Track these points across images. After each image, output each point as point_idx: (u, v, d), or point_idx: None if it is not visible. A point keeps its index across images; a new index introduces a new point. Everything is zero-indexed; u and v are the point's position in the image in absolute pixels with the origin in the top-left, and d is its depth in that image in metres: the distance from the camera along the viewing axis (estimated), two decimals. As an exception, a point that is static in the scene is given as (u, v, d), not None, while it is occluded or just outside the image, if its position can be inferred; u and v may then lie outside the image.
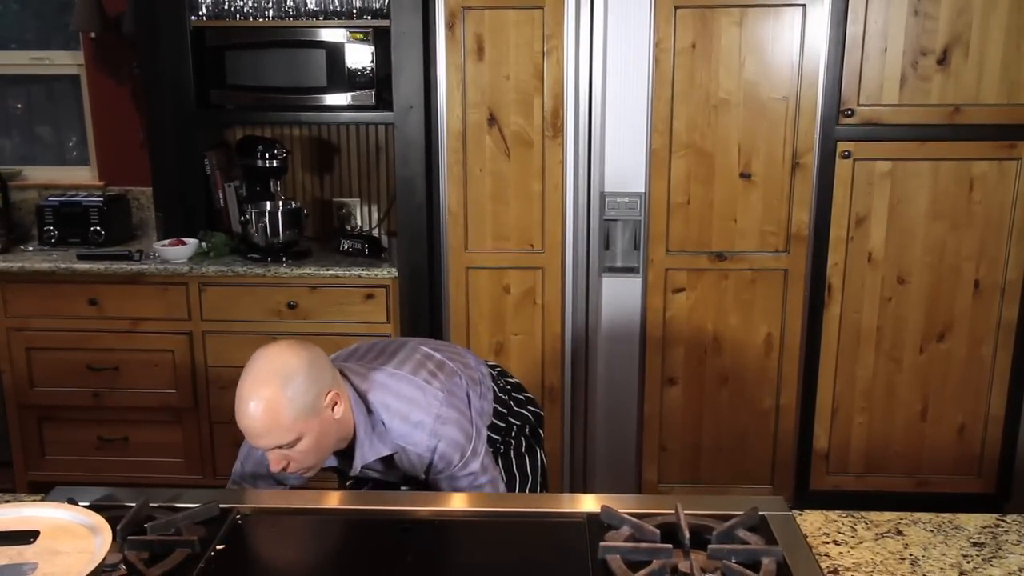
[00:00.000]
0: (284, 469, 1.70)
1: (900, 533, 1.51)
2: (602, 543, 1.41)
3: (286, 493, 1.76)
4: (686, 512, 1.46)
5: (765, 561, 1.36)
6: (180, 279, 3.28)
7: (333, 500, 1.70)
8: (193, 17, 3.37)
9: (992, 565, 1.41)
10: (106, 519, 1.34)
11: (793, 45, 2.93)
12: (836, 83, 2.96)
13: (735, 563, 1.35)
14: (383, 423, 1.78)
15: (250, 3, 3.37)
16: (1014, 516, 1.57)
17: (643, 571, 1.33)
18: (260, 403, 1.61)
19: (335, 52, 3.28)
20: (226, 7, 3.38)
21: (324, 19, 3.35)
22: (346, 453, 1.81)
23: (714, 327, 3.15)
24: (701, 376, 3.19)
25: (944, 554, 1.44)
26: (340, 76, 3.30)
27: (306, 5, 3.37)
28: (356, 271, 3.23)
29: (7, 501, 1.63)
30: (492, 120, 3.04)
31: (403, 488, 1.97)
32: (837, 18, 2.91)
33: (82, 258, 3.33)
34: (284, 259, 3.32)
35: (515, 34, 2.97)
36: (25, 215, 3.77)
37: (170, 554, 1.40)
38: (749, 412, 3.21)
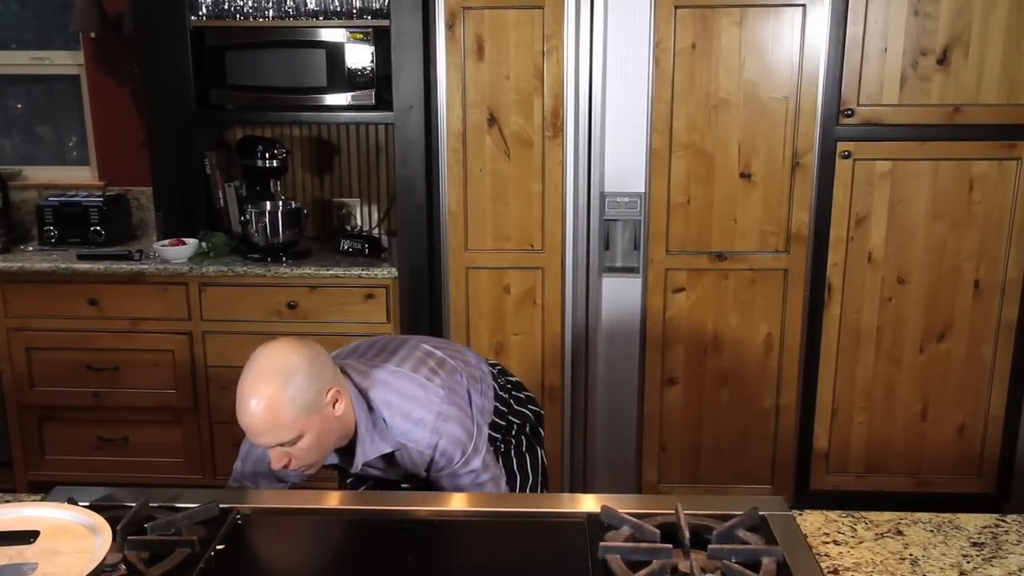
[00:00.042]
0: (286, 467, 1.70)
1: (900, 533, 1.51)
2: (602, 543, 1.41)
3: (286, 493, 1.76)
4: (686, 512, 1.46)
5: (765, 561, 1.36)
6: (180, 279, 3.28)
7: (333, 500, 1.70)
8: (193, 17, 3.37)
9: (992, 565, 1.41)
10: (106, 519, 1.34)
11: (793, 45, 2.93)
12: (836, 83, 2.96)
13: (735, 563, 1.35)
14: (384, 420, 1.78)
15: (250, 3, 3.37)
16: (1014, 516, 1.57)
17: (643, 571, 1.33)
18: (261, 401, 1.61)
19: (335, 52, 3.28)
20: (226, 7, 3.38)
21: (324, 19, 3.36)
22: (347, 450, 1.81)
23: (714, 327, 3.15)
24: (701, 376, 3.19)
25: (944, 554, 1.44)
26: (340, 76, 3.30)
27: (306, 5, 3.37)
28: (356, 271, 3.23)
29: (7, 501, 1.63)
30: (492, 120, 3.04)
31: (404, 486, 1.97)
32: (837, 18, 2.91)
33: (82, 258, 3.33)
34: (284, 259, 3.32)
35: (515, 34, 2.97)
36: (25, 215, 3.77)
37: (170, 554, 1.40)
38: (749, 412, 3.21)
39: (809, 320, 3.14)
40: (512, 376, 2.17)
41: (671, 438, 3.24)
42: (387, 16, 3.17)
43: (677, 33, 2.93)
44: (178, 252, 3.32)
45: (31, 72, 3.90)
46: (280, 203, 3.43)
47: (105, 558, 1.25)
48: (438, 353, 1.94)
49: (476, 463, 1.84)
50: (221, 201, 3.64)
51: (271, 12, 3.38)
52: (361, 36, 3.28)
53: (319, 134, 3.75)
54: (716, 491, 3.24)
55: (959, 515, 1.56)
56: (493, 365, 2.13)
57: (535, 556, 1.46)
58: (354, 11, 3.35)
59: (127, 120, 3.79)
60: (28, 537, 1.31)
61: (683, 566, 1.36)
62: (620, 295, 3.14)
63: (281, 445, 1.66)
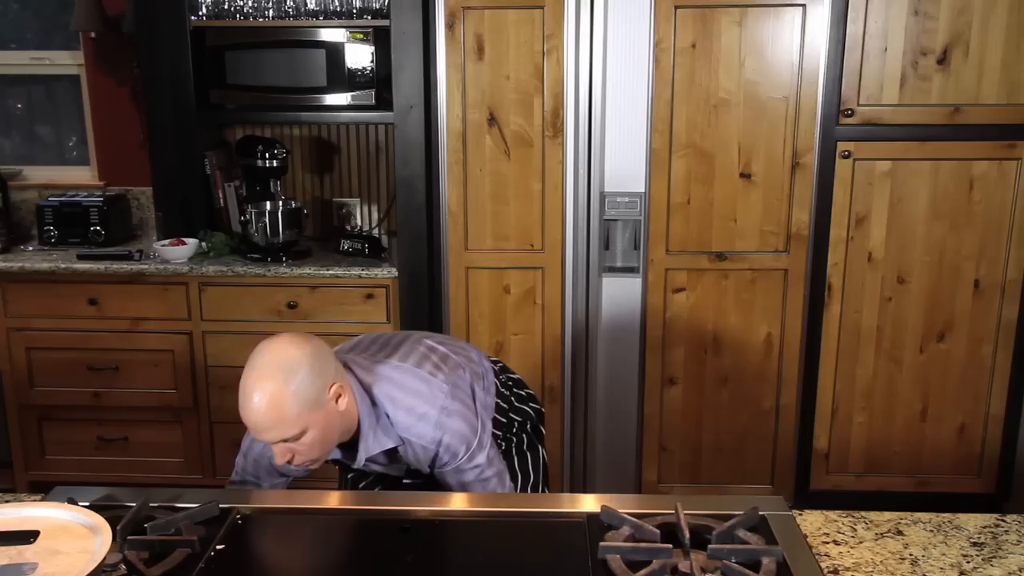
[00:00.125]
0: (289, 462, 1.69)
1: (900, 533, 1.51)
2: (602, 543, 1.41)
3: (286, 493, 1.76)
4: (686, 512, 1.46)
5: (765, 561, 1.36)
6: (180, 279, 3.28)
7: (333, 500, 1.70)
8: (193, 17, 3.37)
9: (992, 565, 1.41)
10: (106, 519, 1.34)
11: (793, 45, 2.93)
12: (836, 83, 2.96)
13: (735, 563, 1.35)
14: (387, 416, 1.78)
15: (250, 3, 3.37)
16: (1014, 516, 1.57)
17: (643, 571, 1.33)
18: (264, 397, 1.61)
19: (335, 52, 3.28)
20: (226, 7, 3.38)
21: (324, 19, 3.36)
22: (350, 446, 1.81)
23: (714, 327, 3.15)
24: (701, 376, 3.19)
25: (944, 554, 1.44)
26: (340, 76, 3.30)
27: (306, 5, 3.37)
28: (356, 271, 3.23)
29: (7, 501, 1.63)
30: (492, 120, 3.04)
31: (405, 481, 1.97)
32: (837, 18, 2.91)
33: (82, 258, 3.33)
34: (284, 259, 3.32)
35: (515, 34, 2.97)
36: (25, 215, 3.78)
37: (170, 554, 1.40)
38: (749, 412, 3.21)
39: (809, 320, 3.14)
40: (513, 373, 2.17)
41: (671, 438, 3.24)
42: (387, 16, 3.17)
43: (677, 33, 2.93)
44: (178, 252, 3.32)
45: (31, 72, 3.90)
46: (280, 203, 3.43)
47: (105, 558, 1.25)
48: (441, 349, 1.94)
49: (481, 459, 1.84)
50: (221, 201, 3.64)
51: (271, 12, 3.38)
52: (361, 36, 3.28)
53: (319, 134, 3.75)
54: (716, 491, 3.24)
55: (959, 515, 1.56)
56: (495, 362, 2.13)
57: (535, 556, 1.46)
58: (354, 11, 3.35)
59: (127, 120, 3.79)
60: (28, 537, 1.31)
61: (683, 566, 1.36)
62: (620, 295, 3.14)
63: (285, 441, 1.66)
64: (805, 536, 1.48)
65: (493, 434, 1.98)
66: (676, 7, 2.91)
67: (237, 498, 1.63)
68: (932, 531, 1.51)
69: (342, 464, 1.96)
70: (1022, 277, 3.08)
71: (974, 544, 1.47)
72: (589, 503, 1.59)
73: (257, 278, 3.26)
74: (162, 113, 3.42)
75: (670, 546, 1.39)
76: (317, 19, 3.36)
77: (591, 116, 3.00)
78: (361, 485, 2.05)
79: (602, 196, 3.06)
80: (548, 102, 3.01)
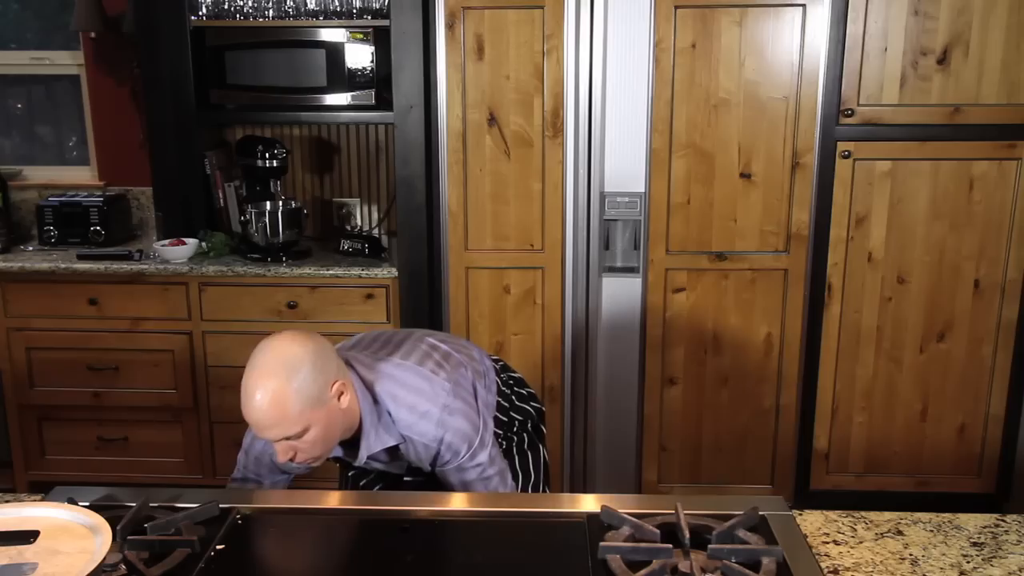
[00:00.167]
0: (291, 460, 1.69)
1: (900, 533, 1.51)
2: (602, 543, 1.41)
3: (286, 493, 1.76)
4: (686, 512, 1.46)
5: (765, 561, 1.36)
6: (180, 279, 3.28)
7: (333, 500, 1.70)
8: (193, 17, 3.37)
9: (992, 565, 1.41)
10: (106, 519, 1.34)
11: (793, 45, 2.93)
12: (836, 83, 2.96)
13: (735, 563, 1.35)
14: (389, 413, 1.78)
15: (250, 3, 3.37)
16: (1014, 516, 1.57)
17: (643, 571, 1.33)
18: (267, 395, 1.60)
19: (335, 52, 3.28)
20: (226, 7, 3.39)
21: (324, 19, 3.36)
22: (351, 443, 1.81)
23: (714, 327, 3.15)
24: (701, 376, 3.19)
25: (944, 554, 1.44)
26: (340, 76, 3.30)
27: (306, 5, 3.37)
28: (356, 271, 3.23)
29: (7, 501, 1.63)
30: (492, 120, 3.04)
31: (406, 479, 1.96)
32: (837, 18, 2.91)
33: (82, 258, 3.33)
34: (284, 259, 3.32)
35: (515, 34, 2.97)
36: (25, 215, 3.78)
37: (170, 554, 1.40)
38: (749, 412, 3.21)
39: (809, 320, 3.14)
40: (514, 372, 2.17)
41: (671, 438, 3.24)
42: (387, 16, 3.17)
43: (677, 33, 2.93)
44: (178, 252, 3.32)
45: (31, 72, 3.90)
46: (280, 203, 3.43)
47: (105, 558, 1.25)
48: (443, 347, 1.94)
49: (483, 457, 1.84)
50: (221, 201, 3.64)
51: (271, 12, 3.38)
52: (361, 36, 3.28)
53: (319, 134, 3.75)
54: (716, 491, 3.24)
55: (959, 515, 1.56)
56: (496, 360, 2.13)
57: (535, 556, 1.46)
58: (354, 11, 3.35)
59: (127, 120, 3.79)
60: (28, 537, 1.31)
61: (683, 566, 1.36)
62: (620, 295, 3.14)
63: (287, 439, 1.65)
64: (805, 536, 1.48)
65: (494, 433, 1.98)
66: (676, 7, 2.91)
67: (237, 498, 1.63)
68: (932, 531, 1.51)
69: (343, 462, 1.96)
70: (1022, 277, 3.08)
71: (974, 544, 1.47)
72: (589, 503, 1.59)
73: (257, 278, 3.26)
74: (162, 113, 3.42)
75: (670, 546, 1.39)
76: (317, 19, 3.36)
77: (591, 116, 3.00)
78: (362, 483, 2.05)
79: (602, 196, 3.06)
80: (548, 102, 3.01)
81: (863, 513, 1.57)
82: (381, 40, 3.26)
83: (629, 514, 1.48)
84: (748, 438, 3.23)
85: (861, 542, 1.48)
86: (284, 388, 1.60)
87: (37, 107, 4.01)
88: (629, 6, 2.92)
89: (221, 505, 1.55)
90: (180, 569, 1.38)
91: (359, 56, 3.29)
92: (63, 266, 3.29)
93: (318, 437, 1.67)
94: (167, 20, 3.34)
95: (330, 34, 3.29)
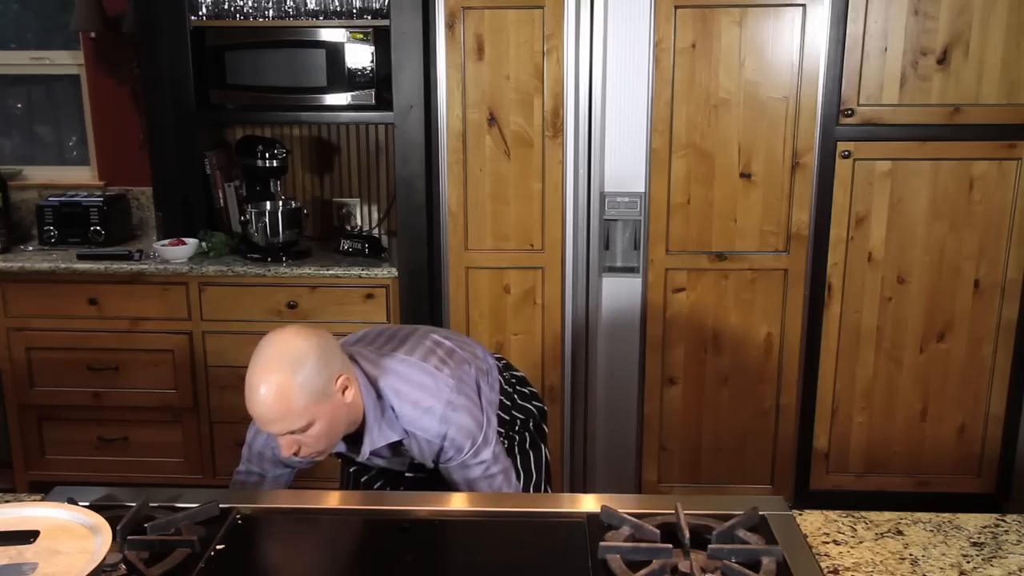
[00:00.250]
0: (295, 454, 1.69)
1: (900, 533, 1.51)
2: (602, 543, 1.41)
3: (286, 493, 1.76)
4: (686, 512, 1.46)
5: (765, 561, 1.36)
6: (180, 279, 3.27)
7: (333, 500, 1.70)
8: (193, 17, 3.37)
9: (992, 565, 1.41)
10: (106, 519, 1.34)
11: (793, 45, 2.93)
12: (836, 83, 2.96)
13: (735, 563, 1.35)
14: (393, 409, 1.78)
15: (250, 3, 3.37)
16: (1014, 516, 1.57)
17: (643, 571, 1.33)
18: (271, 389, 1.60)
19: (335, 52, 3.28)
20: (226, 7, 3.38)
21: (324, 19, 3.36)
22: (354, 438, 1.81)
23: (714, 327, 3.15)
24: (701, 376, 3.19)
25: (944, 554, 1.44)
26: (340, 76, 3.30)
27: (306, 5, 3.37)
28: (356, 271, 3.23)
29: (7, 501, 1.63)
30: (492, 120, 3.04)
31: (408, 475, 1.96)
32: (837, 18, 2.91)
33: (82, 258, 3.33)
34: (284, 259, 3.32)
35: (515, 34, 2.97)
36: (25, 215, 3.78)
37: (170, 554, 1.40)
38: (749, 412, 3.21)
39: (809, 320, 3.14)
40: (516, 371, 2.17)
41: (671, 438, 3.24)
42: (387, 16, 3.17)
43: (677, 33, 2.93)
44: (178, 252, 3.32)
45: (31, 72, 3.90)
46: (280, 203, 3.43)
47: (105, 558, 1.25)
48: (447, 343, 1.94)
49: (486, 454, 1.84)
50: (221, 201, 3.65)
51: (271, 12, 3.38)
52: (361, 36, 3.28)
53: (319, 134, 3.75)
54: (716, 491, 3.24)
55: (959, 515, 1.56)
56: (499, 359, 2.13)
57: (535, 556, 1.46)
58: (354, 11, 3.35)
59: (127, 120, 3.79)
60: (28, 537, 1.31)
61: (683, 566, 1.36)
62: (620, 295, 3.14)
63: (291, 433, 1.65)
64: (805, 536, 1.48)
65: (496, 431, 1.98)
66: (676, 7, 2.91)
67: (237, 498, 1.63)
68: (932, 531, 1.51)
69: (345, 458, 1.95)
70: (1022, 277, 3.08)
71: (974, 544, 1.47)
72: (589, 503, 1.59)
73: (257, 278, 3.26)
74: (162, 113, 3.42)
75: (670, 546, 1.39)
76: (317, 19, 3.36)
77: (591, 116, 3.00)
78: (363, 479, 2.05)
79: (602, 196, 3.06)
80: (548, 102, 3.01)
81: (863, 513, 1.57)
82: (381, 40, 3.26)
83: (629, 514, 1.48)
84: (748, 438, 3.23)
85: (861, 542, 1.48)
86: (289, 382, 1.60)
87: (37, 107, 4.01)
88: (629, 6, 2.92)
89: (221, 505, 1.55)
90: (180, 569, 1.38)
91: (359, 56, 3.29)
92: (63, 266, 3.29)
93: (322, 431, 1.67)
94: (167, 20, 3.34)
95: (330, 34, 3.29)
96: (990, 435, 3.20)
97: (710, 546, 1.39)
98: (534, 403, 2.13)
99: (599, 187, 3.05)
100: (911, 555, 1.44)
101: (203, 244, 3.40)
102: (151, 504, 1.54)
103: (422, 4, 3.03)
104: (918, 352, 3.15)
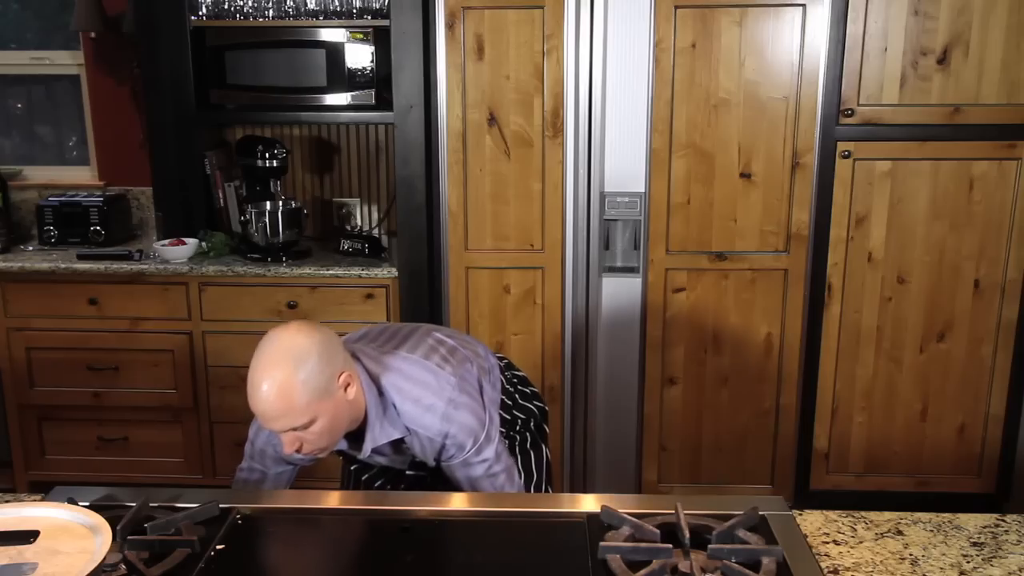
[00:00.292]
0: (297, 451, 1.69)
1: (900, 533, 1.51)
2: (602, 543, 1.41)
3: (286, 493, 1.76)
4: (686, 512, 1.46)
5: (765, 561, 1.36)
6: (180, 279, 3.27)
7: (333, 500, 1.70)
8: (193, 17, 3.37)
9: (992, 565, 1.41)
10: (106, 519, 1.34)
11: (793, 45, 2.93)
12: (836, 83, 2.96)
13: (735, 563, 1.35)
14: (394, 406, 1.78)
15: (250, 3, 3.37)
16: (1014, 516, 1.57)
17: (643, 571, 1.33)
18: (274, 385, 1.60)
19: (335, 52, 3.28)
20: (226, 7, 3.38)
21: (324, 19, 3.36)
22: (355, 436, 1.81)
23: (714, 327, 3.15)
24: (701, 376, 3.19)
25: (944, 554, 1.44)
26: (340, 76, 3.30)
27: (306, 5, 3.37)
28: (356, 271, 3.23)
29: (7, 501, 1.63)
30: (492, 120, 3.04)
31: (408, 473, 1.96)
32: (837, 18, 2.91)
33: (82, 258, 3.33)
34: (284, 259, 3.32)
35: (515, 34, 2.97)
36: (25, 215, 3.78)
37: (170, 554, 1.40)
38: (749, 412, 3.21)
39: (809, 320, 3.14)
40: (518, 371, 2.17)
41: (671, 438, 3.24)
42: (387, 16, 3.17)
43: (677, 33, 2.93)
44: (178, 252, 3.32)
45: (31, 72, 3.91)
46: (280, 203, 3.43)
47: (105, 558, 1.25)
48: (449, 342, 1.94)
49: (489, 452, 1.84)
50: (221, 201, 3.65)
51: (271, 12, 3.38)
52: (361, 36, 3.28)
53: (319, 134, 3.75)
54: (716, 491, 3.24)
55: (959, 515, 1.56)
56: (500, 358, 2.13)
57: (535, 556, 1.46)
58: (354, 11, 3.35)
59: (127, 120, 3.79)
60: (28, 537, 1.31)
61: (683, 566, 1.36)
62: (620, 295, 3.14)
63: (293, 430, 1.65)
64: (805, 536, 1.48)
65: (499, 429, 1.97)
66: (676, 7, 2.91)
67: (237, 498, 1.63)
68: (932, 531, 1.51)
69: (346, 455, 1.95)
70: (1022, 277, 3.08)
71: (974, 544, 1.47)
72: (589, 503, 1.59)
73: (257, 278, 3.26)
74: (162, 113, 3.42)
75: (670, 546, 1.39)
76: (317, 19, 3.36)
77: (591, 116, 3.00)
78: (364, 477, 2.05)
79: (602, 196, 3.06)
80: (548, 102, 3.01)
81: (863, 513, 1.57)
82: (381, 40, 3.26)
83: (629, 514, 1.48)
84: (748, 438, 3.23)
85: (861, 542, 1.48)
86: (291, 379, 1.60)
87: (37, 107, 4.01)
88: (629, 6, 2.92)
89: (221, 505, 1.55)
90: (180, 569, 1.38)
91: (359, 56, 3.29)
92: (63, 266, 3.29)
93: (324, 428, 1.67)
94: (167, 20, 3.34)
95: (330, 34, 3.29)
96: (990, 435, 3.20)
97: (710, 546, 1.39)
98: (535, 403, 2.13)
99: (599, 187, 3.05)
100: (911, 555, 1.44)
101: (203, 244, 3.40)
102: (151, 504, 1.54)
103: (422, 4, 3.04)
104: (918, 352, 3.15)
